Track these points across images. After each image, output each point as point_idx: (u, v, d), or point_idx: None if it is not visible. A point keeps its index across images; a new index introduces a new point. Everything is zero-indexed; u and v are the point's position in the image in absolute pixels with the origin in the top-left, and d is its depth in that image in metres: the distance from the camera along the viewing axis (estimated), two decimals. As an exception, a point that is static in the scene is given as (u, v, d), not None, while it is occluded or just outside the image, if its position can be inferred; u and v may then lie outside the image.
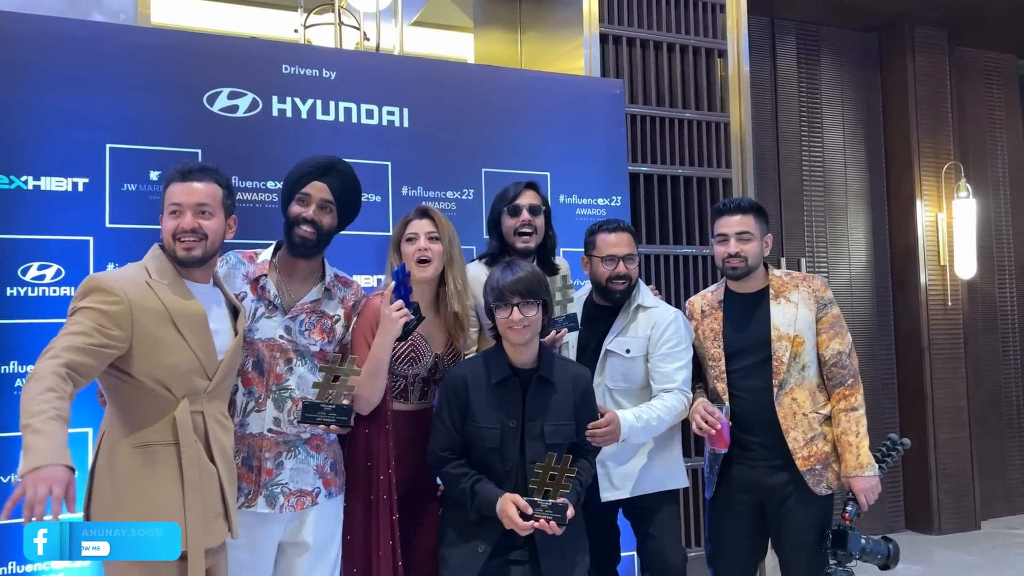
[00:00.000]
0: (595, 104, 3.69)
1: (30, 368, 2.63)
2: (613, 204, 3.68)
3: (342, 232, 3.08)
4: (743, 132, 4.32)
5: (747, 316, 2.76)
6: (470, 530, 2.31)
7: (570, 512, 2.22)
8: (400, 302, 2.30)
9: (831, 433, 2.71)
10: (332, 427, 2.20)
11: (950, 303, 5.58)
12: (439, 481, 2.50)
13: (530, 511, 2.20)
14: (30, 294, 2.68)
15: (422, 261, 2.46)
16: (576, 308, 2.76)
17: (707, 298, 2.87)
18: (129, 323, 1.98)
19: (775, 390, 2.68)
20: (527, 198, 2.77)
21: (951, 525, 5.45)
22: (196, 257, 2.13)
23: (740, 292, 2.81)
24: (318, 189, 2.37)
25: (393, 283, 2.32)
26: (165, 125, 2.90)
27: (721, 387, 2.74)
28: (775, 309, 2.73)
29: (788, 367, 2.68)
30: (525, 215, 2.74)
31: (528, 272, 2.35)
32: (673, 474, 2.80)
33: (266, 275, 2.36)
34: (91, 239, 2.76)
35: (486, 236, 3.31)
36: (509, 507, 2.21)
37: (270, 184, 3.02)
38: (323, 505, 2.35)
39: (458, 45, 5.55)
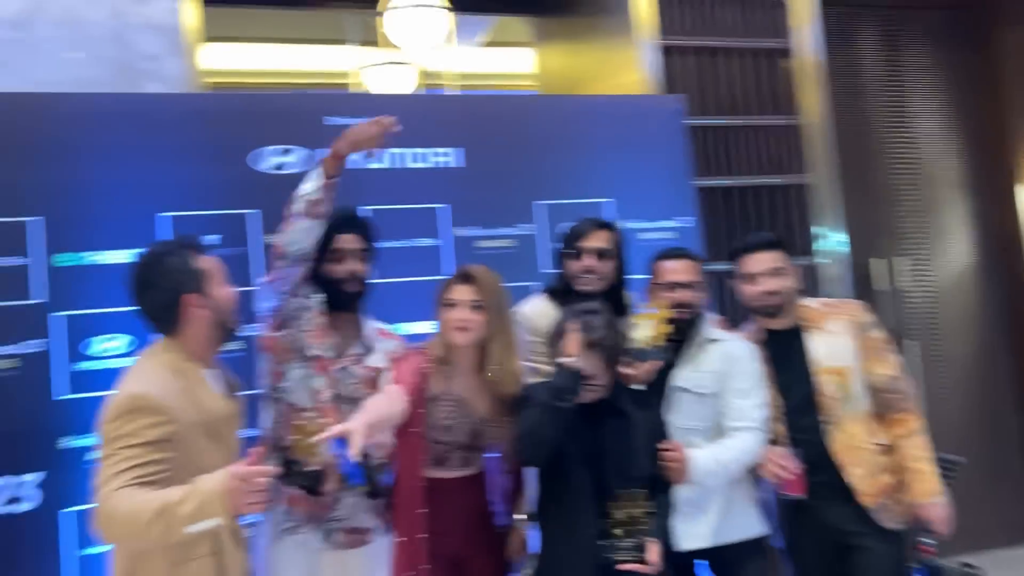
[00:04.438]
0: (655, 123, 3.53)
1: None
2: (684, 225, 3.51)
3: (396, 280, 3.06)
4: (820, 132, 4.07)
5: (787, 353, 2.61)
6: None
7: (653, 551, 2.10)
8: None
9: (891, 463, 2.57)
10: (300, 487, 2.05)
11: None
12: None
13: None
14: (96, 367, 2.75)
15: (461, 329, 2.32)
16: None
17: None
18: (176, 441, 1.85)
19: (828, 426, 2.54)
20: (594, 240, 2.59)
21: None
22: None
23: (776, 329, 2.65)
24: (349, 241, 2.36)
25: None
26: (215, 188, 2.92)
27: (781, 429, 2.59)
28: (814, 342, 2.60)
29: (837, 401, 2.54)
30: (586, 260, 2.57)
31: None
32: (756, 520, 2.60)
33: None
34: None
35: (542, 271, 3.20)
36: None
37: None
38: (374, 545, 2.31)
39: (519, 62, 5.49)
